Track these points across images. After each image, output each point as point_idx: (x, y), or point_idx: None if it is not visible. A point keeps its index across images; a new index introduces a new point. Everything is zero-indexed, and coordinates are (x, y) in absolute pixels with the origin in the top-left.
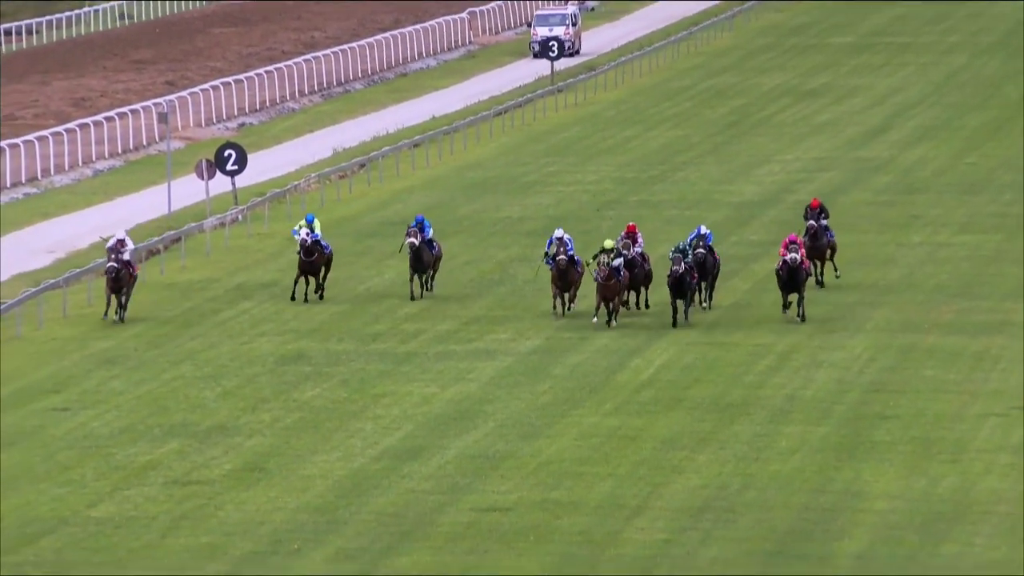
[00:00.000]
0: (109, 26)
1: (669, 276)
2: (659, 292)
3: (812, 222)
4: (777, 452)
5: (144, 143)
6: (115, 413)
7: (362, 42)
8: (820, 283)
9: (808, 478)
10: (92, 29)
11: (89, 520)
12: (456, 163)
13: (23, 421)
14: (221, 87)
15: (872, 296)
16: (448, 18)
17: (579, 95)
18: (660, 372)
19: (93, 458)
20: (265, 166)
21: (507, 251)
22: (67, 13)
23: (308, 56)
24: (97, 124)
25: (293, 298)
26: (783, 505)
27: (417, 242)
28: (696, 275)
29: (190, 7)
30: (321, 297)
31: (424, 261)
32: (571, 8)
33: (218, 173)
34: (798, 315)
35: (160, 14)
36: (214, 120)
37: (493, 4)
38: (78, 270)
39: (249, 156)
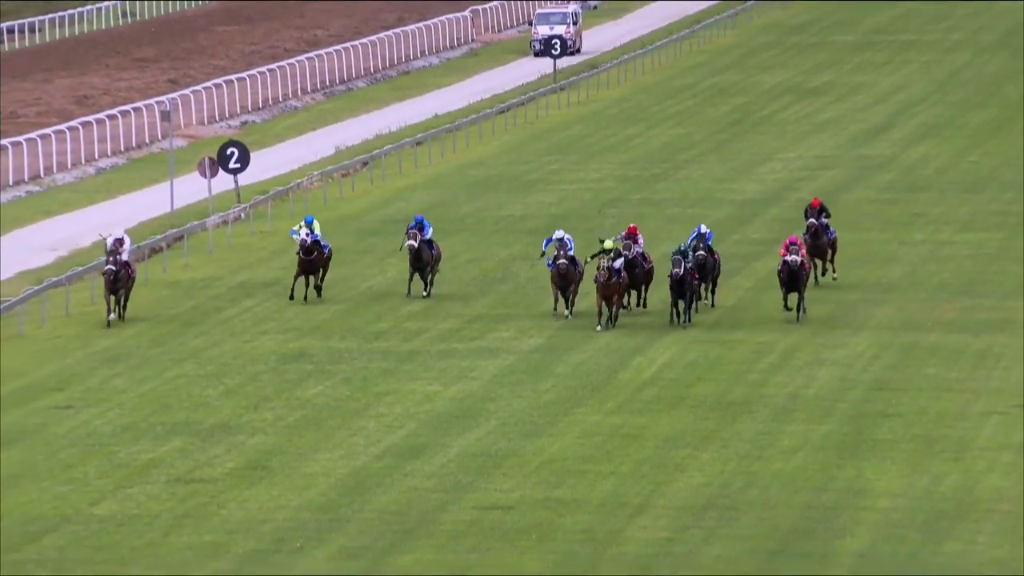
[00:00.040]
0: (112, 24)
1: (670, 276)
2: (659, 292)
3: (813, 220)
4: (779, 450)
5: (147, 141)
6: (118, 411)
7: (365, 40)
8: (817, 281)
9: (810, 476)
10: (95, 27)
11: (92, 518)
12: (458, 161)
13: (26, 419)
14: (224, 85)
15: (874, 294)
16: (450, 16)
17: (581, 93)
18: (662, 370)
19: (96, 456)
20: (268, 164)
21: (509, 249)
22: (70, 11)
23: (311, 54)
24: (100, 122)
25: (292, 297)
26: (785, 503)
27: (416, 244)
28: (697, 277)
29: (193, 6)
30: (319, 296)
31: (423, 260)
32: (572, 7)
33: (221, 171)
34: (798, 314)
35: (162, 12)
36: (217, 118)
37: (495, 2)
38: (81, 268)
39: (252, 154)
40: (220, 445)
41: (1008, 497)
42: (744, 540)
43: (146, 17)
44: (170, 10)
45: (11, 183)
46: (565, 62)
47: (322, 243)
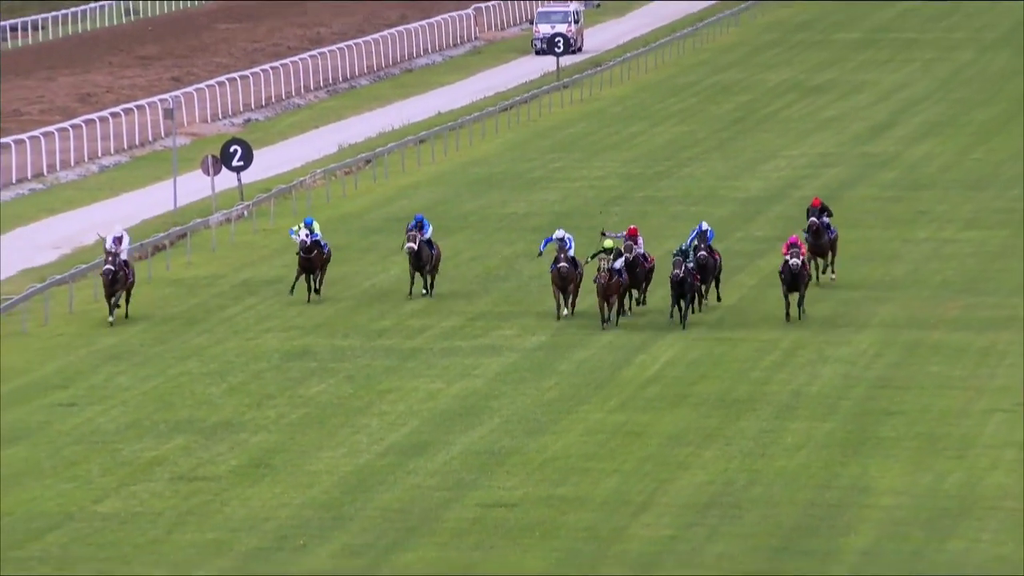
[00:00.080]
0: (115, 22)
1: (671, 277)
2: (659, 292)
3: (814, 219)
4: (783, 448)
5: (150, 139)
6: (121, 409)
7: (368, 38)
8: (818, 280)
9: (814, 474)
10: (98, 25)
11: (95, 516)
12: (462, 159)
13: (29, 417)
14: (227, 83)
15: (878, 292)
16: (454, 14)
17: (585, 91)
18: (666, 368)
19: (99, 454)
20: (271, 162)
21: (512, 247)
22: (72, 9)
23: (314, 52)
24: (103, 120)
25: (292, 292)
26: (789, 501)
27: (416, 247)
28: (699, 277)
29: (196, 4)
30: (319, 296)
31: (423, 260)
32: (573, 5)
33: (224, 169)
34: (798, 313)
35: (166, 10)
36: (220, 116)
37: (498, 0)
38: (84, 266)
39: (255, 152)
40: (223, 443)
41: (1012, 494)
42: (747, 538)
43: (149, 15)
44: (173, 8)
45: (14, 181)
46: (568, 60)
47: (322, 243)
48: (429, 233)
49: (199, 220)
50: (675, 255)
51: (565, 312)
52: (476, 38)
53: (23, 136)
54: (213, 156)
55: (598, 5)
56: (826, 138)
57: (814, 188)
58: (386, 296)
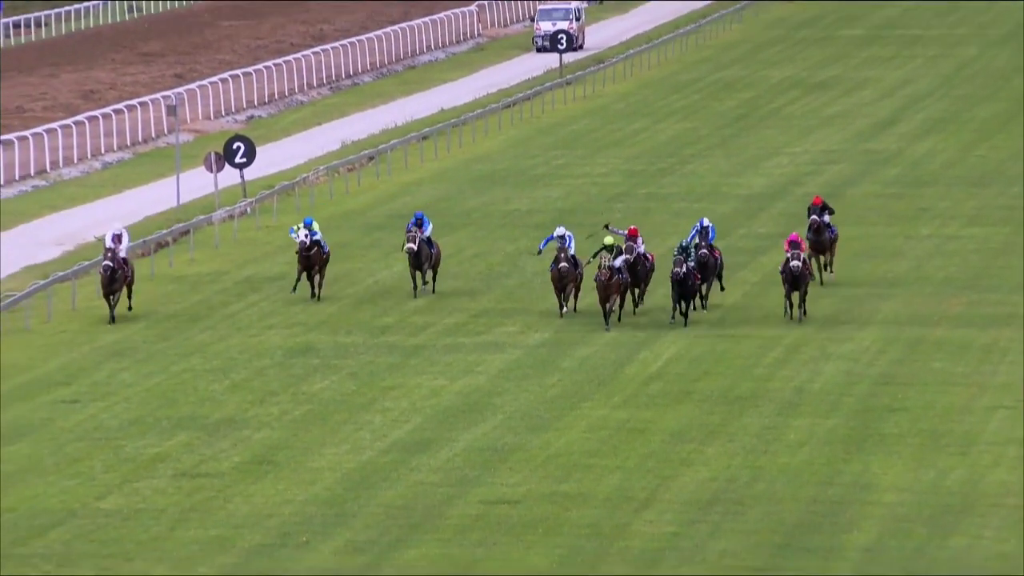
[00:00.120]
0: (118, 19)
1: (672, 275)
2: (660, 290)
3: (815, 217)
4: (786, 445)
5: (153, 136)
6: (124, 405)
7: (371, 35)
8: (821, 278)
9: (817, 471)
10: (101, 22)
11: (98, 512)
12: (465, 156)
13: (32, 413)
14: (230, 80)
15: (880, 289)
16: (457, 11)
17: (587, 88)
18: (669, 365)
19: (102, 450)
20: (274, 159)
21: (515, 244)
22: (76, 6)
23: (317, 49)
24: (106, 116)
25: (295, 290)
26: (792, 498)
27: (416, 247)
28: (699, 276)
29: (199, 2)
30: (319, 298)
31: (422, 259)
32: (575, 3)
33: (227, 166)
34: (799, 313)
35: (169, 8)
36: (223, 113)
37: None
38: (87, 263)
39: (258, 149)
40: (226, 439)
41: (1014, 491)
42: (750, 534)
43: (152, 12)
44: (176, 5)
45: (17, 177)
46: (571, 57)
47: (322, 243)
48: (429, 231)
49: (202, 217)
50: (676, 253)
51: (565, 311)
52: (479, 35)
53: (26, 133)
54: (216, 153)
55: (601, 1)
56: (829, 135)
57: (817, 185)
58: (389, 293)
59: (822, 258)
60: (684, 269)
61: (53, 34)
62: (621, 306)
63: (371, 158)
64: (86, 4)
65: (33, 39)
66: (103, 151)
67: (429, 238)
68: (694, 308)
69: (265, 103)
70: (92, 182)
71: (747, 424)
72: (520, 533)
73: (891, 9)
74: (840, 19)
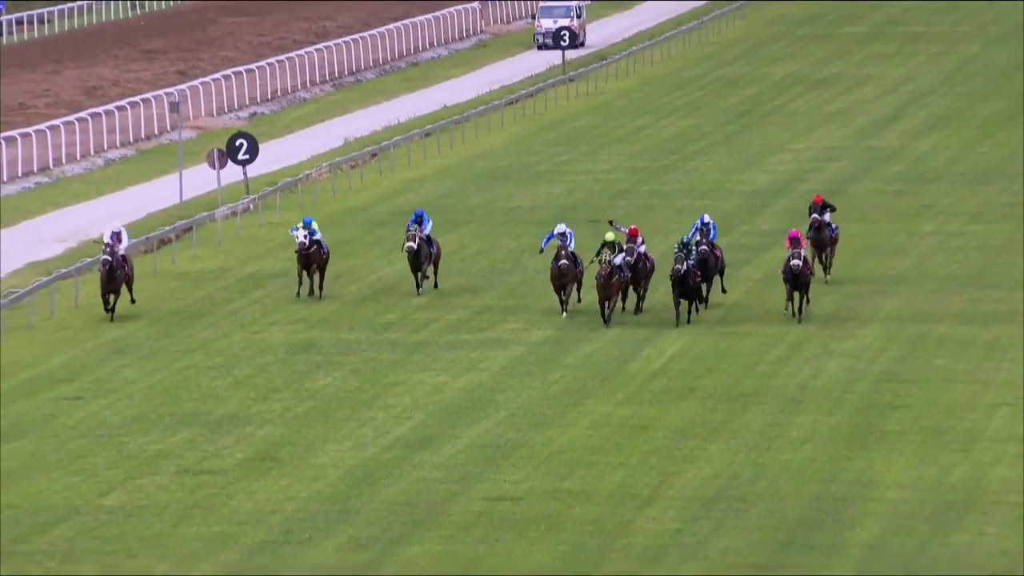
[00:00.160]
0: (120, 16)
1: (672, 274)
2: (661, 288)
3: (816, 215)
4: (788, 441)
5: (156, 132)
6: (127, 402)
7: (374, 31)
8: (824, 277)
9: (819, 467)
10: (104, 19)
11: (101, 509)
12: (467, 152)
13: (35, 410)
14: (233, 76)
15: (883, 286)
16: (459, 7)
17: (590, 84)
18: (672, 361)
19: (105, 447)
20: (277, 155)
21: (518, 241)
22: (78, 3)
23: (320, 45)
24: (109, 113)
25: (299, 295)
26: (794, 494)
27: (415, 246)
28: (699, 274)
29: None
30: (314, 295)
31: (421, 259)
32: (576, 0)
33: (230, 162)
34: (800, 313)
35: (172, 5)
36: (226, 109)
37: None
38: (89, 260)
39: (261, 145)
40: (229, 436)
41: (1016, 488)
42: (753, 531)
43: (154, 9)
44: (178, 4)
45: (20, 174)
46: (574, 53)
47: (322, 243)
48: (428, 228)
49: (205, 213)
50: (677, 250)
51: (564, 316)
52: (482, 32)
53: (29, 130)
54: (219, 150)
55: None
56: (832, 132)
57: (819, 181)
58: (392, 290)
59: (823, 256)
60: (684, 267)
61: (56, 31)
62: (623, 305)
63: (374, 155)
64: (89, 1)
65: (36, 36)
66: (106, 148)
67: (429, 236)
68: (695, 311)
69: (268, 100)
70: (95, 179)
71: (750, 421)
72: (523, 530)
73: (893, 6)
74: (842, 16)
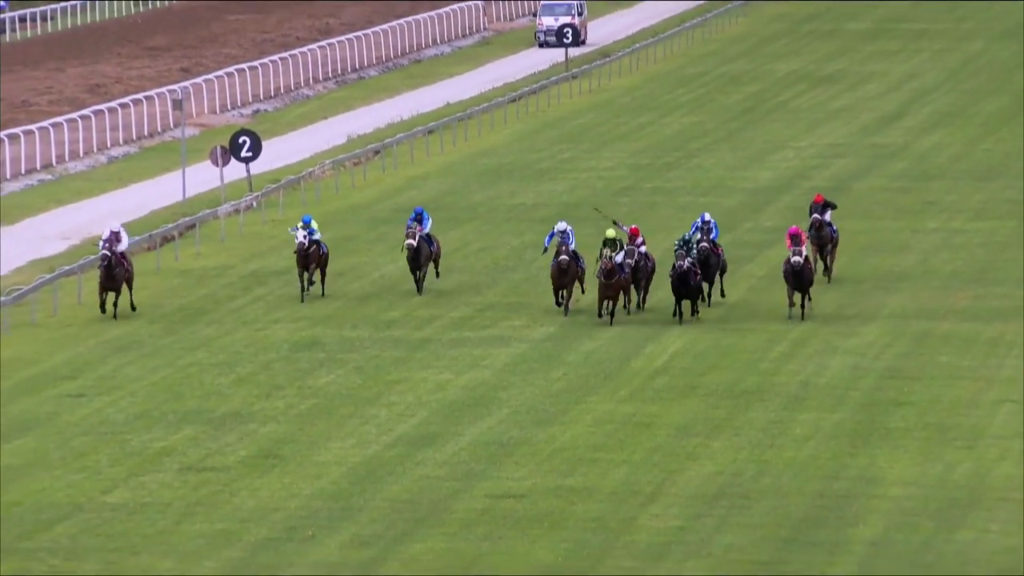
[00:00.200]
0: (123, 13)
1: (672, 272)
2: (661, 290)
3: (816, 215)
4: (792, 439)
5: (159, 130)
6: (130, 399)
7: (377, 28)
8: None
9: (823, 465)
10: (107, 16)
11: (104, 506)
12: (470, 150)
13: (38, 407)
14: (236, 74)
15: (887, 282)
16: (462, 5)
17: (593, 82)
18: (674, 359)
19: (108, 444)
20: (280, 153)
21: (521, 238)
22: (81, 0)
23: (323, 43)
24: (112, 111)
25: (303, 300)
26: (798, 492)
27: (415, 243)
28: (699, 272)
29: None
30: (323, 293)
31: (421, 259)
32: None
33: (232, 160)
34: (802, 312)
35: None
36: (229, 107)
37: None
38: (93, 257)
39: (264, 143)
40: (232, 433)
41: (1020, 486)
42: (756, 528)
43: (158, 6)
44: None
45: (23, 171)
46: (577, 51)
47: (320, 242)
48: (428, 226)
49: (208, 211)
50: (677, 247)
51: (569, 310)
52: (485, 29)
53: (32, 127)
54: (222, 147)
55: None
56: (835, 128)
57: (823, 178)
58: (395, 287)
59: (824, 256)
60: (686, 264)
61: (59, 28)
62: (628, 308)
63: (377, 152)
64: None
65: (39, 33)
66: (109, 145)
67: (429, 234)
68: (695, 313)
69: (271, 97)
70: (98, 176)
71: (753, 418)
72: (526, 527)
73: (896, 3)
74: (846, 13)
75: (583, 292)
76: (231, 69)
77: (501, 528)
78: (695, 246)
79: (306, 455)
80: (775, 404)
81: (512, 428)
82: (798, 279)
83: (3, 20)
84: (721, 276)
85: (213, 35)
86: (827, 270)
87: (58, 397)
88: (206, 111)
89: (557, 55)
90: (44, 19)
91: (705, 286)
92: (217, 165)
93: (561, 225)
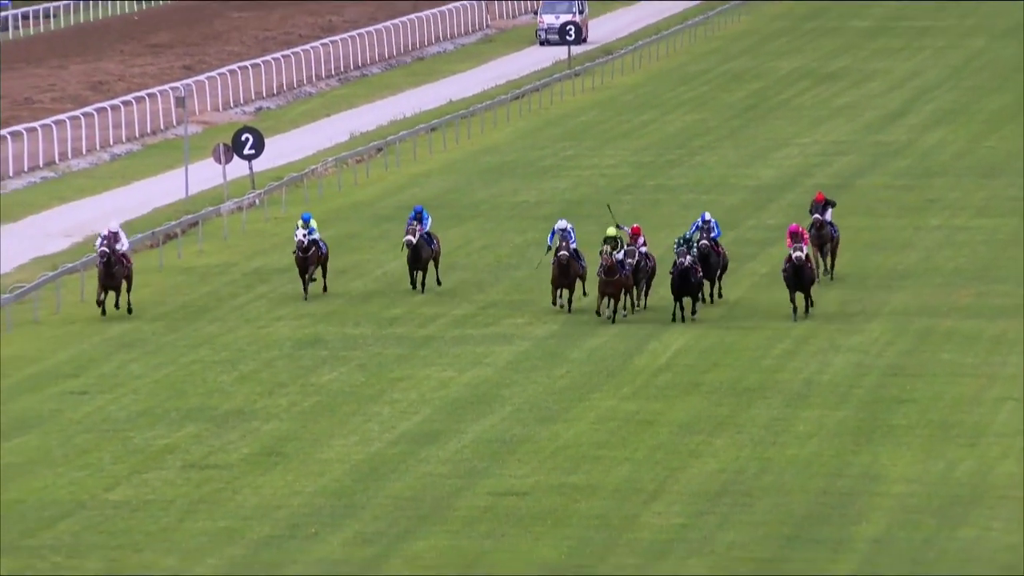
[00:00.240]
0: (126, 10)
1: (673, 269)
2: (663, 287)
3: (817, 215)
4: (794, 436)
5: (161, 127)
6: (133, 397)
7: (379, 26)
8: (828, 275)
9: (825, 462)
10: (109, 13)
11: (107, 503)
12: (473, 147)
13: (41, 405)
14: (238, 71)
15: (889, 280)
16: (465, 2)
17: (596, 79)
18: (677, 356)
19: (111, 442)
20: (282, 150)
21: (524, 235)
22: None
23: (325, 40)
24: (114, 108)
25: (305, 298)
26: (800, 489)
27: (415, 240)
28: (700, 270)
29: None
30: (312, 290)
31: (422, 258)
32: None
33: (235, 157)
34: (806, 310)
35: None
36: (231, 104)
37: None
38: (95, 255)
39: (266, 140)
40: (235, 431)
41: (1021, 483)
42: (759, 526)
43: (161, 3)
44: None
45: (26, 169)
46: (579, 48)
47: (320, 242)
48: (428, 225)
49: (211, 208)
50: (677, 245)
51: (561, 304)
52: (488, 26)
53: (35, 124)
54: (225, 144)
55: None
56: (838, 126)
57: (826, 176)
58: (397, 284)
59: (825, 255)
60: (687, 261)
61: (62, 25)
62: (626, 307)
63: (379, 149)
64: None
65: (42, 31)
66: (112, 142)
67: (429, 233)
68: (694, 308)
69: (274, 94)
70: (101, 173)
71: (756, 416)
72: (529, 525)
73: (899, 1)
74: (848, 10)
75: (584, 294)
76: (234, 66)
77: (504, 526)
78: (695, 244)
79: (309, 453)
80: (778, 401)
81: (515, 425)
82: (799, 277)
83: (6, 18)
84: (720, 275)
85: (216, 32)
86: (828, 269)
87: (61, 394)
88: (209, 108)
89: (560, 53)
90: (47, 16)
91: (706, 285)
92: (220, 162)
93: (562, 224)
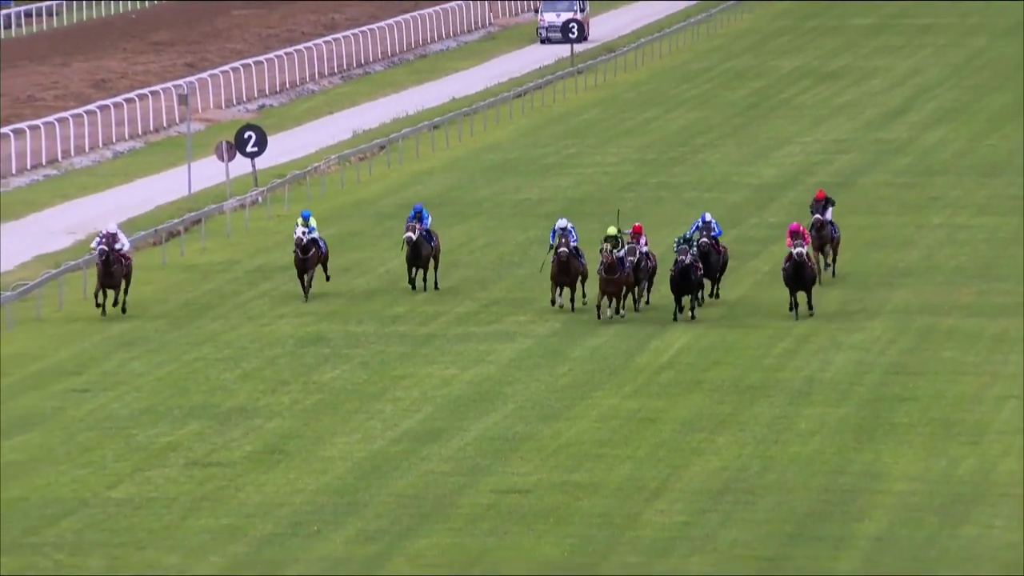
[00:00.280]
0: (128, 8)
1: (674, 267)
2: (664, 286)
3: (818, 215)
4: (796, 434)
5: (164, 125)
6: (135, 395)
7: (382, 23)
8: (831, 275)
9: (827, 460)
10: (112, 11)
11: (109, 501)
12: (476, 145)
13: (43, 402)
14: (241, 69)
15: (891, 278)
16: (468, 0)
17: (598, 77)
18: (679, 354)
19: (113, 439)
20: (285, 148)
21: (526, 233)
22: None
23: (328, 38)
24: (117, 106)
25: (306, 300)
26: (802, 487)
27: (415, 236)
28: (700, 268)
29: None
30: (327, 279)
31: (422, 256)
32: None
33: (238, 155)
34: (809, 310)
35: None
36: (234, 102)
37: None
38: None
39: (269, 138)
40: (237, 429)
41: (1023, 481)
42: (761, 524)
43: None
44: None
45: (29, 167)
46: (582, 46)
47: (319, 241)
48: (428, 223)
49: (213, 206)
50: (678, 244)
51: (560, 302)
52: (490, 24)
53: (37, 122)
54: (227, 142)
55: None
56: (840, 124)
57: (828, 174)
58: (400, 282)
59: (825, 255)
60: (688, 258)
61: (64, 23)
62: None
63: (382, 147)
64: None
65: (44, 28)
66: (114, 140)
67: (429, 230)
68: (693, 313)
69: (276, 92)
70: (103, 171)
71: (758, 413)
72: (531, 522)
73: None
74: (850, 9)
75: (584, 296)
76: (236, 64)
77: (506, 523)
78: (696, 243)
79: (311, 450)
80: (780, 399)
81: (517, 423)
82: (799, 276)
83: (8, 15)
84: (720, 275)
85: (218, 30)
86: (827, 267)
87: (63, 392)
88: (211, 106)
89: (562, 51)
90: (49, 14)
91: (707, 284)
92: (223, 160)
93: (562, 222)
